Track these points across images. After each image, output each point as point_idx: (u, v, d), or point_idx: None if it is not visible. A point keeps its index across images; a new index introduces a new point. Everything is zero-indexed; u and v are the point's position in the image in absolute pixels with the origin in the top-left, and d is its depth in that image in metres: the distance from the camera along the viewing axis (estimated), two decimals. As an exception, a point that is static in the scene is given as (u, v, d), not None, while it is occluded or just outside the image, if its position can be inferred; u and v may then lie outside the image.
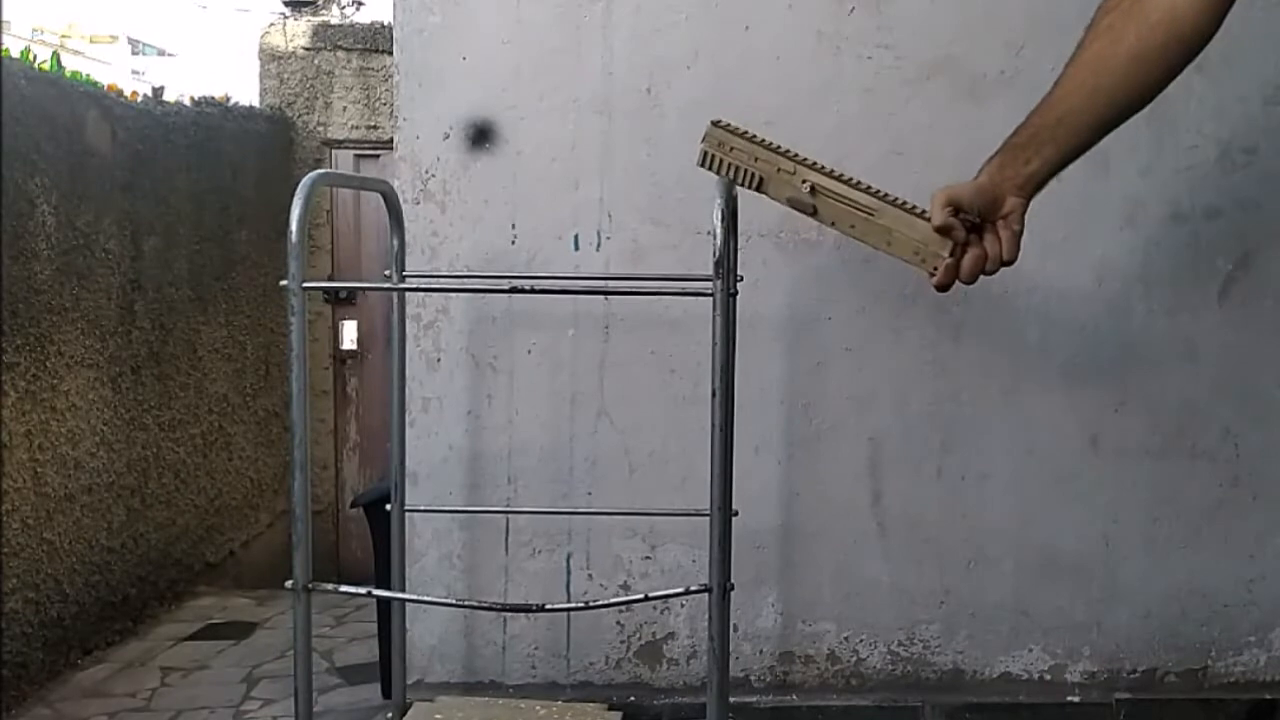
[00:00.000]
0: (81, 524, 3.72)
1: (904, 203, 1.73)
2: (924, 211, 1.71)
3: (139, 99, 4.40)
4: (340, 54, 5.96)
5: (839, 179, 1.76)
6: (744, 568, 2.47)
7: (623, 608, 2.64)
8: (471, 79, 2.57)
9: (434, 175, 2.58)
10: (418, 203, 2.58)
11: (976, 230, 1.68)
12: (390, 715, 2.56)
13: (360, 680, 3.34)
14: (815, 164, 1.77)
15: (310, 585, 2.07)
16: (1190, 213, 2.58)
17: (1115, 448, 2.62)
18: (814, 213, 1.76)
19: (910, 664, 2.67)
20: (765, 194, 1.79)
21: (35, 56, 4.00)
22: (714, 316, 1.91)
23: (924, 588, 2.66)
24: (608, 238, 2.59)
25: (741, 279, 2.02)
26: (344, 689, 3.31)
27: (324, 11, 6.20)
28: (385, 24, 5.73)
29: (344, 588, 2.30)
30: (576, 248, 2.59)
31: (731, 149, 1.79)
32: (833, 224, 1.76)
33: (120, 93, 4.24)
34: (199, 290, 4.66)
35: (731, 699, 2.23)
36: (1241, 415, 2.62)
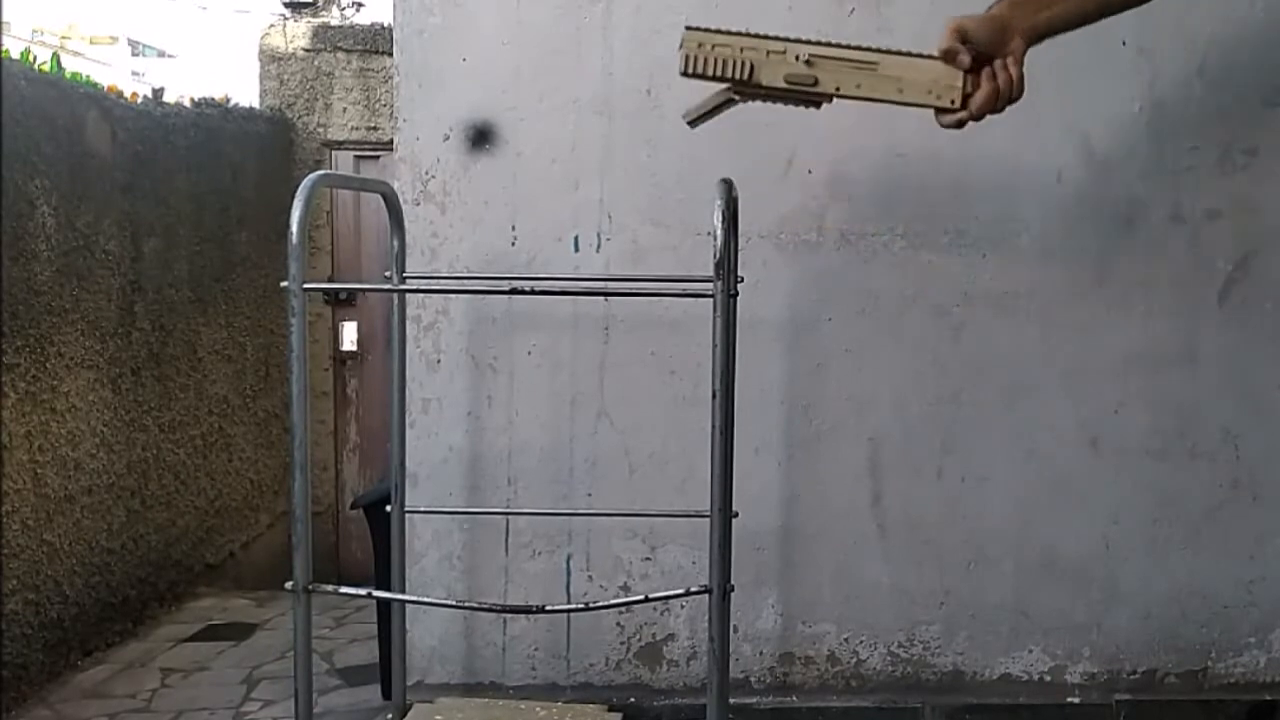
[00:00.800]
0: (81, 525, 3.71)
1: (902, 50, 1.71)
2: (923, 54, 1.70)
3: (139, 100, 4.40)
4: (340, 55, 5.96)
5: (833, 44, 1.72)
6: (744, 569, 2.47)
7: (623, 609, 2.64)
8: (471, 80, 2.57)
9: (434, 176, 2.58)
10: (418, 204, 2.58)
11: (983, 64, 1.69)
12: (390, 717, 2.56)
13: (360, 681, 3.34)
14: (805, 39, 1.73)
15: (310, 586, 2.07)
16: (1190, 214, 2.58)
17: (1115, 449, 2.62)
18: (815, 84, 1.71)
19: (910, 665, 2.67)
20: (758, 85, 1.72)
21: (35, 58, 4.00)
22: (714, 318, 1.91)
23: (924, 589, 2.66)
24: (608, 239, 2.59)
25: (742, 280, 2.02)
26: (344, 690, 3.31)
27: (324, 13, 6.20)
28: (385, 25, 5.73)
29: (344, 589, 2.30)
30: (576, 249, 2.59)
31: (714, 46, 1.71)
32: (836, 90, 1.71)
33: (120, 94, 4.24)
34: (199, 291, 4.66)
35: (731, 700, 2.23)
36: (1241, 416, 2.62)
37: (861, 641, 2.67)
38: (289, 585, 2.07)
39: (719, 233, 1.88)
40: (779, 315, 2.59)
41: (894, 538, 2.64)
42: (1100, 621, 2.66)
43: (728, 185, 1.89)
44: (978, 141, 2.52)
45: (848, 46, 1.71)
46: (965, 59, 1.67)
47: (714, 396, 1.94)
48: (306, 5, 6.16)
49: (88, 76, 4.25)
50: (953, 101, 1.69)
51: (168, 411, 4.33)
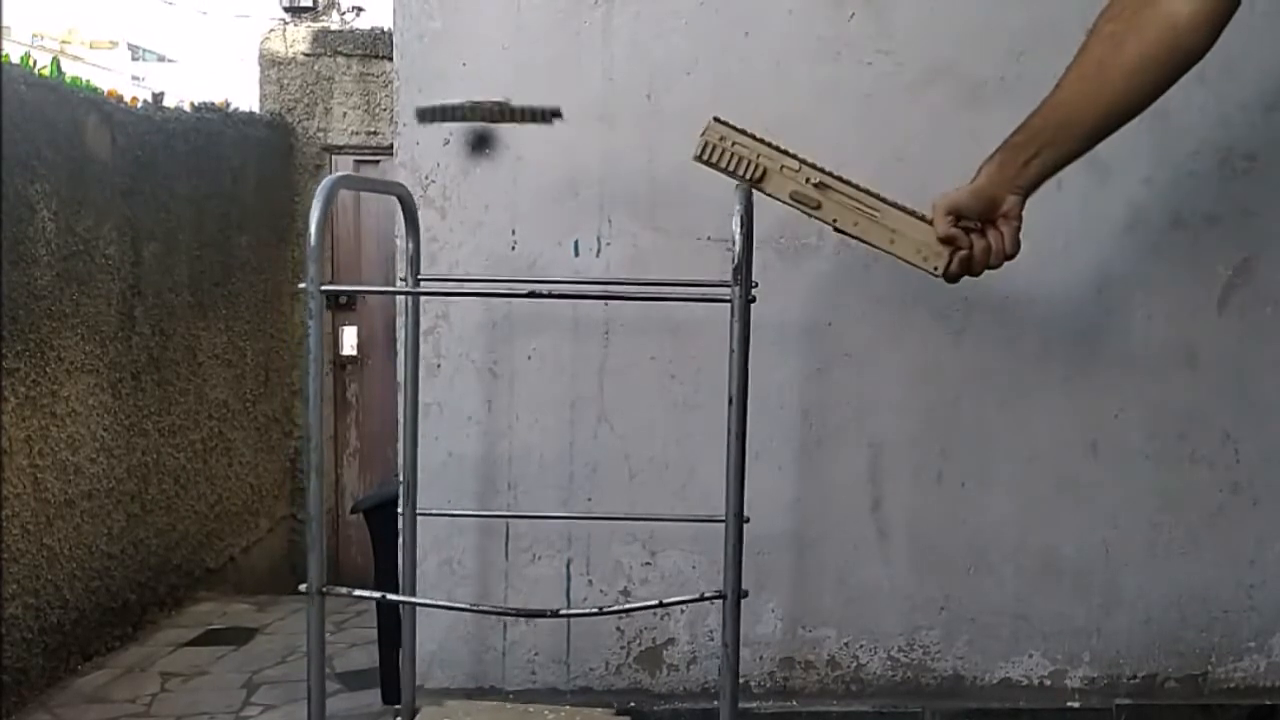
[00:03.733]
0: (81, 530, 3.71)
1: (904, 206, 1.79)
2: (923, 215, 1.78)
3: (139, 105, 4.41)
4: (340, 59, 5.97)
5: (842, 180, 1.81)
6: (745, 573, 2.45)
7: (622, 614, 2.64)
8: (472, 84, 2.57)
9: (434, 181, 2.58)
10: (418, 208, 2.58)
11: (978, 229, 1.76)
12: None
13: (360, 686, 3.34)
14: (819, 166, 1.83)
15: (325, 589, 2.05)
16: (1191, 219, 2.58)
17: (1115, 453, 2.62)
18: (817, 207, 1.81)
19: (910, 670, 2.67)
20: (762, 190, 1.84)
21: (35, 62, 4.00)
22: (731, 323, 1.91)
23: (924, 593, 2.65)
24: (608, 243, 2.59)
25: (757, 285, 2.02)
26: (344, 695, 3.31)
27: (324, 17, 6.21)
28: (385, 29, 5.74)
29: (357, 591, 2.29)
30: (577, 253, 2.59)
31: (734, 144, 1.84)
32: (834, 222, 1.82)
33: (120, 98, 4.25)
34: (199, 296, 4.66)
35: (732, 705, 2.22)
36: (1241, 421, 2.62)
37: (862, 646, 2.67)
38: (303, 588, 2.05)
39: (738, 238, 1.88)
40: (779, 320, 2.59)
41: (894, 542, 2.65)
42: (1100, 626, 2.66)
43: (746, 192, 1.89)
44: (978, 146, 2.53)
45: (858, 187, 1.81)
46: (964, 242, 1.76)
47: (730, 402, 1.93)
48: (306, 10, 6.17)
49: (88, 81, 4.25)
50: (935, 268, 1.78)
51: (168, 416, 4.34)
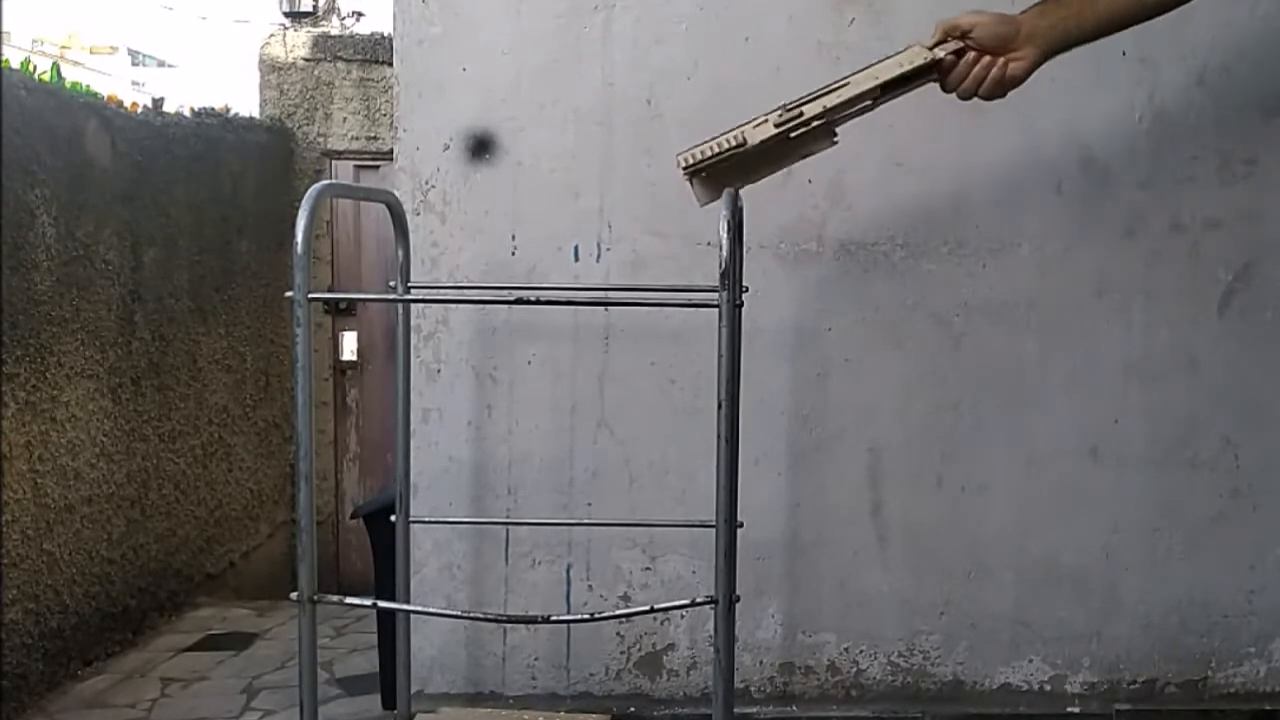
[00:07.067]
0: (81, 535, 3.71)
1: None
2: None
3: (139, 110, 4.40)
4: (340, 65, 5.97)
5: (807, 95, 1.93)
6: (745, 579, 2.45)
7: (623, 619, 2.64)
8: (471, 90, 2.58)
9: (434, 186, 2.59)
10: (418, 213, 2.58)
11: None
12: (392, 726, 2.55)
13: (360, 691, 3.33)
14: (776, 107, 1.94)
15: (315, 597, 2.05)
16: (1190, 224, 2.58)
17: (1115, 458, 2.62)
18: (800, 116, 1.92)
19: (910, 675, 2.67)
20: (757, 143, 1.94)
21: (35, 67, 4.00)
22: (720, 328, 1.90)
23: (924, 598, 2.65)
24: (608, 248, 2.59)
25: (747, 290, 2.02)
26: (344, 700, 3.30)
27: (324, 22, 6.22)
28: (385, 35, 5.74)
29: (349, 599, 2.29)
30: (576, 258, 2.60)
31: (702, 144, 1.96)
32: (825, 109, 1.92)
33: (120, 104, 4.24)
34: (199, 301, 4.66)
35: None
36: (1241, 426, 2.62)
37: (862, 651, 2.66)
38: (294, 596, 2.05)
39: (725, 243, 1.88)
40: (779, 325, 2.59)
41: (894, 547, 2.64)
42: (1100, 631, 2.66)
43: (733, 195, 1.89)
44: (977, 151, 2.54)
45: (813, 92, 1.93)
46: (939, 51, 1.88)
47: (719, 406, 1.93)
48: (306, 15, 6.18)
49: (88, 86, 4.25)
50: (925, 58, 1.90)
51: (168, 421, 4.33)
